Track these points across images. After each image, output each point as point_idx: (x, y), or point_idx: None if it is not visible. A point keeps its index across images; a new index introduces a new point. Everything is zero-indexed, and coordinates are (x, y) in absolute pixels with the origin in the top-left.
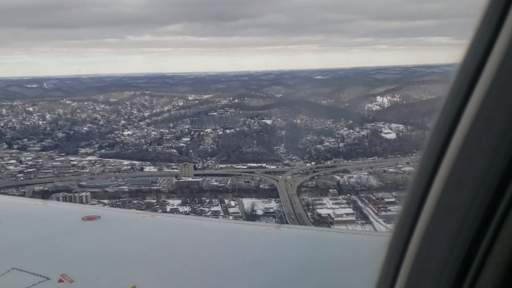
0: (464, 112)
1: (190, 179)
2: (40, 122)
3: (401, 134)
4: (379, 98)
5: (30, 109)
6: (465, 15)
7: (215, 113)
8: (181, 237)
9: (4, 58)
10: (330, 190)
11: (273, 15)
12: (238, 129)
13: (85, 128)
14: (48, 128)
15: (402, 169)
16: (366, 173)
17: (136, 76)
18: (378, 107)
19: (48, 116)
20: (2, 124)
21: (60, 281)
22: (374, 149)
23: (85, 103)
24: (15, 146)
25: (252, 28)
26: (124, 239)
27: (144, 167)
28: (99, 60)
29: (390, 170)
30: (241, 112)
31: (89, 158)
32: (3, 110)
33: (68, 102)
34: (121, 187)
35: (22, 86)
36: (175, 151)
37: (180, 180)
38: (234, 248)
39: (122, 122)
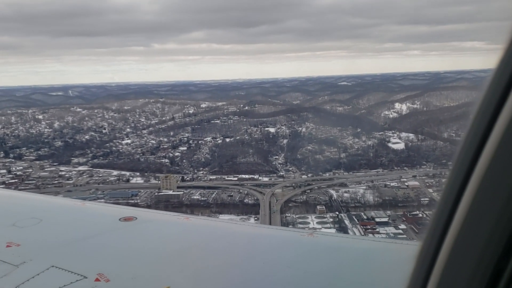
0: (498, 119)
1: (171, 192)
2: (46, 130)
3: (410, 144)
4: (397, 105)
5: (40, 116)
6: (497, 19)
7: (218, 121)
8: (214, 240)
9: (38, 66)
10: (318, 207)
11: (294, 20)
12: (238, 137)
13: (86, 137)
14: (50, 136)
15: (406, 184)
16: (364, 187)
17: (161, 84)
18: (395, 114)
19: (56, 124)
20: (8, 132)
21: (97, 280)
22: (379, 160)
23: (95, 110)
24: (11, 155)
25: (275, 35)
26: (160, 240)
27: (131, 178)
28: (130, 68)
29: (392, 184)
30: (245, 120)
31: (80, 168)
32: (13, 117)
33: (78, 109)
34: (98, 200)
35: (45, 94)
36: (167, 161)
37: (160, 194)
38: (267, 253)
39: (128, 130)
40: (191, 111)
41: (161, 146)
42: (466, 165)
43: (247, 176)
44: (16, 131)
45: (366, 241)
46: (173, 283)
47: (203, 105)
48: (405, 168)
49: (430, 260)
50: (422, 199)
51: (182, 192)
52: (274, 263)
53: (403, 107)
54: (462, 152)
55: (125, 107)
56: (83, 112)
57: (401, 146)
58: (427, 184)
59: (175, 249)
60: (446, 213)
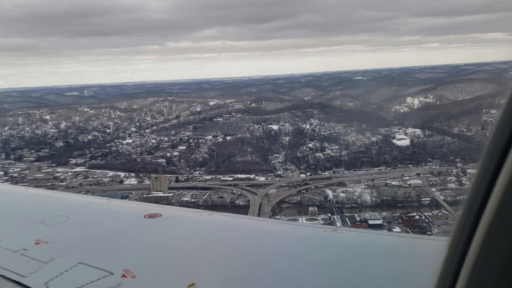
0: None
1: (161, 193)
2: (52, 130)
3: (416, 140)
4: (409, 99)
5: (48, 117)
6: None
7: (220, 119)
8: (239, 236)
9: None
10: (310, 208)
11: (306, 15)
12: (239, 135)
13: (89, 137)
14: (53, 137)
15: (408, 182)
16: (363, 186)
17: (175, 83)
18: (406, 108)
19: (63, 125)
20: (14, 133)
21: (123, 276)
22: (382, 157)
23: (103, 110)
24: (12, 157)
25: (289, 30)
26: (184, 237)
27: (126, 179)
28: (148, 68)
29: (393, 183)
30: (248, 117)
31: (77, 169)
32: (20, 118)
33: (86, 109)
34: None
35: (60, 94)
36: (163, 161)
37: (149, 195)
38: (291, 249)
39: (132, 129)
40: (198, 109)
41: (161, 146)
42: (495, 161)
43: (243, 176)
44: (22, 132)
45: (392, 237)
46: (198, 279)
47: (211, 103)
48: (409, 165)
49: (459, 258)
50: (423, 199)
51: (172, 194)
52: (300, 260)
53: (415, 101)
54: (491, 148)
55: (134, 106)
56: (91, 112)
57: (406, 142)
58: (431, 182)
59: (199, 245)
60: (475, 209)
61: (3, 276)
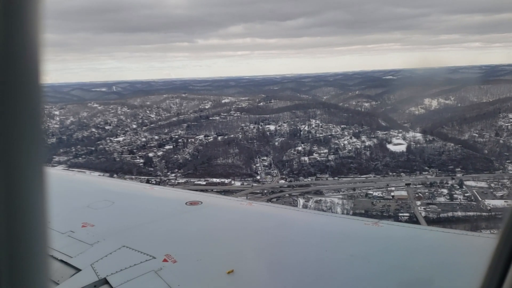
0: None
1: None
2: (55, 126)
3: (414, 145)
4: (427, 101)
5: (57, 112)
6: None
7: (217, 118)
8: (278, 226)
9: (96, 63)
10: None
11: (331, 12)
12: (232, 135)
13: (85, 134)
14: (51, 133)
15: (392, 194)
16: (341, 196)
17: (204, 80)
18: (422, 110)
19: (69, 120)
20: None
21: (165, 260)
22: (373, 164)
23: (111, 106)
24: None
25: (317, 28)
26: (224, 224)
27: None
28: (184, 65)
29: (375, 194)
30: (246, 116)
31: (56, 168)
32: None
33: (95, 105)
34: None
35: (87, 90)
36: (141, 161)
37: None
38: (331, 241)
39: (133, 126)
40: (206, 107)
41: (148, 145)
42: None
43: (217, 180)
44: None
45: (435, 232)
46: (237, 266)
47: (225, 101)
48: (401, 174)
49: (507, 255)
50: (401, 214)
51: None
52: (340, 252)
53: (433, 103)
54: None
55: (147, 103)
56: (99, 108)
57: (402, 148)
58: (418, 195)
59: (239, 233)
60: None
61: (51, 256)
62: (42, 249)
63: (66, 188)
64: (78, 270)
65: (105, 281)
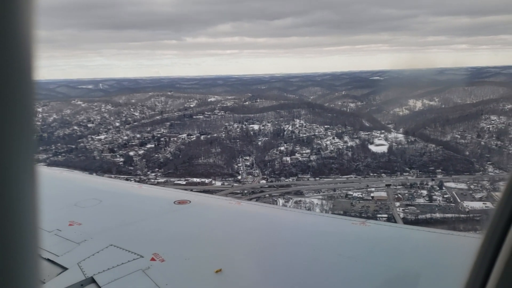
0: None
1: None
2: (36, 123)
3: (395, 146)
4: (411, 102)
5: (40, 109)
6: None
7: (201, 117)
8: (266, 225)
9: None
10: None
11: (320, 12)
12: (215, 134)
13: (66, 131)
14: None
15: (372, 194)
16: (321, 196)
17: (192, 78)
18: (406, 111)
19: (51, 118)
20: None
21: (152, 259)
22: (354, 164)
23: (95, 104)
24: None
25: (305, 27)
26: (212, 223)
27: None
28: (173, 63)
29: (355, 194)
30: (230, 115)
31: (40, 165)
32: None
33: (79, 102)
34: None
35: (72, 87)
36: (121, 160)
37: None
38: (318, 240)
39: (117, 124)
40: (192, 105)
41: (130, 143)
42: None
43: (198, 180)
44: None
45: (421, 232)
46: (226, 265)
47: (211, 99)
48: (382, 174)
49: (491, 255)
50: (380, 215)
51: None
52: (327, 251)
53: (417, 104)
54: None
55: (132, 101)
56: (83, 105)
57: (383, 149)
58: (397, 196)
59: (227, 232)
60: (510, 205)
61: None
62: (33, 248)
63: (53, 186)
64: (65, 268)
65: (92, 280)
